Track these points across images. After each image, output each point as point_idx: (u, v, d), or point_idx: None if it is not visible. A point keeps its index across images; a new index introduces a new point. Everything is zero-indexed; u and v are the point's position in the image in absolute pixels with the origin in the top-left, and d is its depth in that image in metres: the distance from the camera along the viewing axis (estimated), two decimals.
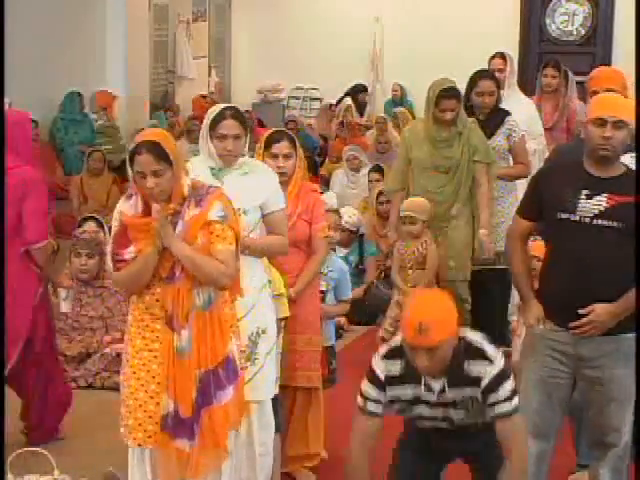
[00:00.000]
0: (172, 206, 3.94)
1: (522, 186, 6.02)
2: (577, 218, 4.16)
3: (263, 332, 4.56)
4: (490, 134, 6.81)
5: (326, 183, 10.67)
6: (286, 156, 4.91)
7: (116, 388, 6.26)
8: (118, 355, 6.51)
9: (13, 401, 5.34)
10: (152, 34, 13.49)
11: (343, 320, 7.62)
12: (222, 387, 4.04)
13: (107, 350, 6.66)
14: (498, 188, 6.85)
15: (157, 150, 3.90)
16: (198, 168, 4.58)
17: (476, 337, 3.80)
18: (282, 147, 4.92)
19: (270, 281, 4.66)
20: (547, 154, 7.33)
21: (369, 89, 14.18)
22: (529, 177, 5.69)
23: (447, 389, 3.77)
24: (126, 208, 4.05)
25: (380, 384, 3.82)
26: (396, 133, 10.99)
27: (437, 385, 3.78)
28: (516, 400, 3.78)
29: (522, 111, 7.32)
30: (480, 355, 3.75)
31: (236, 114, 4.56)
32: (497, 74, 7.38)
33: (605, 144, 4.13)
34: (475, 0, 13.75)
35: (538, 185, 4.38)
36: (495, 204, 6.78)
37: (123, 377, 4.14)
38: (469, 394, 3.78)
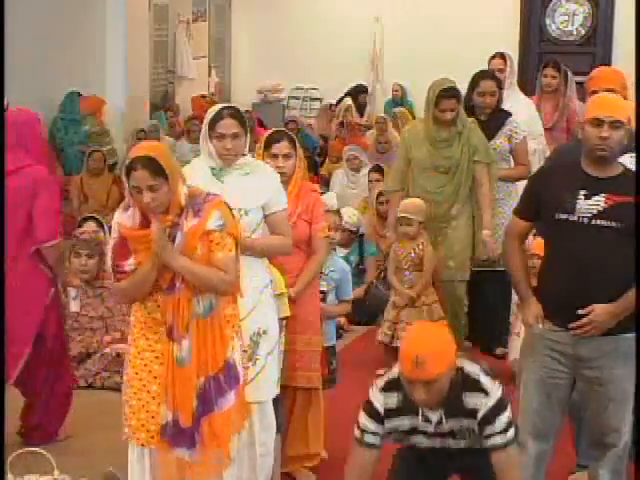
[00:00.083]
0: (170, 217, 3.95)
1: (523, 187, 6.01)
2: (575, 218, 4.16)
3: (264, 332, 4.56)
4: (491, 135, 6.81)
5: (326, 183, 10.67)
6: (286, 156, 4.91)
7: (116, 388, 6.30)
8: (118, 355, 6.52)
9: (14, 401, 5.35)
10: (152, 34, 13.49)
11: (343, 320, 7.63)
12: (223, 393, 4.05)
13: (107, 350, 6.65)
14: (499, 190, 6.85)
15: (153, 165, 3.90)
16: (199, 169, 4.59)
17: (473, 368, 3.81)
18: (282, 147, 4.92)
19: (271, 280, 4.66)
20: (548, 153, 7.34)
21: (369, 89, 14.18)
22: None
23: (445, 420, 3.78)
24: (124, 219, 4.06)
25: (379, 418, 3.84)
26: (396, 133, 10.99)
27: (434, 416, 3.79)
28: (512, 432, 3.81)
29: (522, 111, 7.33)
30: (477, 387, 3.77)
31: (234, 113, 4.56)
32: (497, 74, 7.38)
33: (602, 144, 4.13)
34: (475, 0, 13.74)
35: (536, 185, 4.38)
36: (497, 205, 6.78)
37: (126, 377, 4.16)
38: (466, 425, 3.80)
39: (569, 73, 8.32)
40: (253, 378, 4.46)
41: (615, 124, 4.14)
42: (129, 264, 4.00)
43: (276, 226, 4.62)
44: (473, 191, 6.59)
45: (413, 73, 12.92)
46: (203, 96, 13.62)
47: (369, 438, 3.85)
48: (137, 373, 4.09)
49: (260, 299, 4.54)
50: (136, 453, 4.15)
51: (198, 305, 4.01)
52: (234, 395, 4.08)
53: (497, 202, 6.79)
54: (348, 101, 13.07)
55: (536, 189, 4.35)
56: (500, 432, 3.77)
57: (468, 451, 3.90)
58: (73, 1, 11.67)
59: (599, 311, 4.14)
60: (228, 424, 4.07)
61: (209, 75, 14.71)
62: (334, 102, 13.65)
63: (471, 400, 3.76)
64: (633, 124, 4.95)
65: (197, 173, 4.58)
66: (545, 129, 7.84)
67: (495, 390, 3.78)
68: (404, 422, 3.83)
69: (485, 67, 7.62)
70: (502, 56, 7.80)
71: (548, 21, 14.02)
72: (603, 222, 4.13)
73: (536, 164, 7.07)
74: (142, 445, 4.10)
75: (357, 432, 3.88)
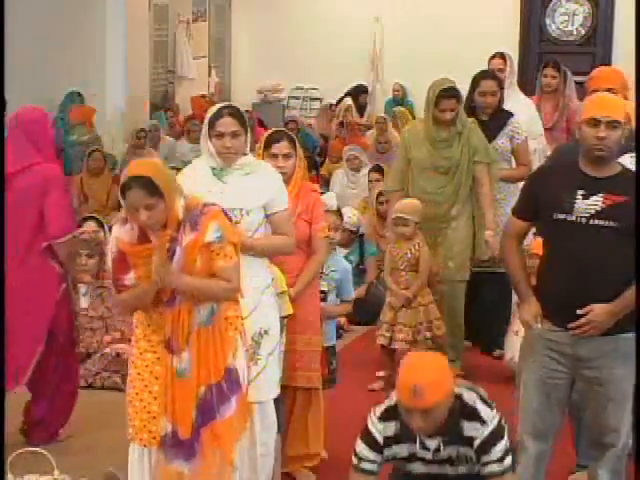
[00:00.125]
0: (169, 232, 3.96)
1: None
2: (574, 218, 4.16)
3: (266, 332, 4.56)
4: (493, 135, 6.81)
5: (326, 183, 10.67)
6: (286, 156, 4.91)
7: (116, 388, 6.32)
8: (118, 355, 6.54)
9: (14, 401, 5.35)
10: (152, 34, 13.50)
11: (343, 320, 7.63)
12: (226, 400, 4.07)
13: (107, 350, 6.66)
14: (500, 190, 6.84)
15: (148, 185, 3.90)
16: (200, 168, 4.60)
17: (470, 396, 3.80)
18: (282, 147, 4.91)
19: (273, 280, 4.66)
20: (548, 153, 7.34)
21: (369, 89, 14.18)
22: None
23: (442, 447, 3.78)
24: (122, 234, 4.06)
25: (377, 447, 3.83)
26: (396, 133, 10.98)
27: (432, 444, 3.79)
28: (508, 460, 3.80)
29: (522, 111, 7.32)
30: (474, 416, 3.76)
31: (233, 112, 4.56)
32: (497, 74, 7.38)
33: (599, 144, 4.13)
34: (475, 0, 13.74)
35: (534, 185, 4.38)
36: (498, 206, 6.77)
37: (129, 378, 4.20)
38: (464, 453, 3.79)
39: (568, 73, 8.32)
40: (254, 378, 4.45)
41: (612, 124, 4.13)
42: (129, 278, 4.02)
43: (278, 226, 4.62)
44: (473, 191, 6.59)
45: (413, 73, 12.92)
46: (202, 96, 13.62)
47: (367, 465, 3.86)
48: (139, 374, 4.12)
49: (261, 299, 4.54)
50: (137, 453, 4.16)
51: (199, 314, 4.05)
52: (235, 401, 4.09)
53: (498, 202, 6.78)
54: (348, 101, 13.06)
55: (534, 189, 4.34)
56: (497, 460, 3.77)
57: (465, 477, 3.89)
58: (73, 1, 11.68)
59: (598, 311, 4.13)
60: (230, 431, 4.09)
61: (209, 75, 14.71)
62: (334, 102, 13.65)
63: (468, 428, 3.76)
64: (633, 123, 4.95)
65: (198, 173, 4.59)
66: (545, 129, 7.84)
67: (492, 418, 3.78)
68: (402, 449, 3.83)
69: (485, 67, 7.63)
70: (502, 56, 7.80)
71: (548, 21, 14.01)
72: (601, 222, 4.13)
73: (536, 164, 7.07)
74: (144, 445, 4.12)
75: (354, 459, 3.88)
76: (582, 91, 7.30)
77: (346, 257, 7.96)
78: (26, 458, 4.63)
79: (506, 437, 3.81)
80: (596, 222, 4.13)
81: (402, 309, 6.54)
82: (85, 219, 7.85)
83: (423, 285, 6.55)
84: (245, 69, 15.16)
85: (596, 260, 4.12)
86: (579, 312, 4.14)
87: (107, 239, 6.74)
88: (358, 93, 13.75)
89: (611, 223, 4.12)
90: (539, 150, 7.57)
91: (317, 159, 12.27)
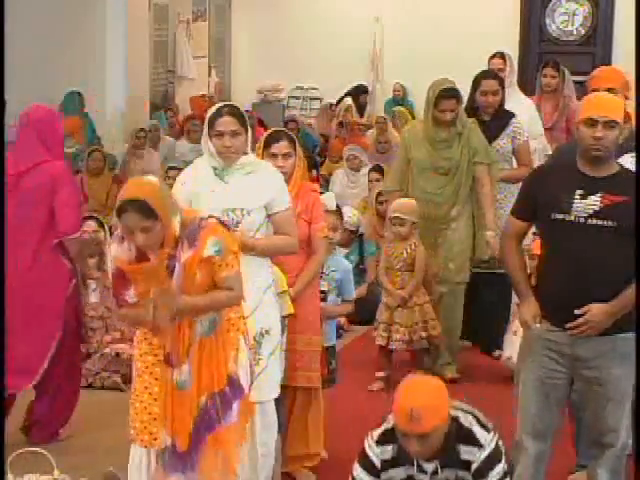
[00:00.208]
0: (167, 250, 3.95)
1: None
2: (572, 218, 4.15)
3: (267, 332, 4.56)
4: (495, 136, 6.81)
5: (326, 183, 10.67)
6: (285, 156, 4.91)
7: (116, 388, 6.32)
8: (118, 355, 6.54)
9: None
10: (152, 34, 13.50)
11: (343, 320, 7.62)
12: (229, 407, 4.07)
13: (107, 350, 6.66)
14: (501, 190, 6.84)
15: (143, 208, 3.87)
16: (201, 168, 4.60)
17: (467, 419, 3.77)
18: (281, 147, 4.91)
19: (274, 280, 4.66)
20: (549, 152, 7.33)
21: (369, 89, 14.18)
22: None
23: (440, 471, 3.76)
24: (120, 253, 4.04)
25: (375, 471, 3.81)
26: (396, 133, 10.98)
27: (430, 467, 3.77)
28: None
29: (522, 111, 7.32)
30: (470, 439, 3.74)
31: (233, 111, 4.56)
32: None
33: (597, 144, 4.12)
34: (475, 0, 13.75)
35: (532, 185, 4.38)
36: (498, 206, 6.75)
37: (133, 380, 4.20)
38: (461, 476, 3.77)
39: (566, 72, 8.33)
40: (255, 378, 4.45)
41: (609, 124, 4.12)
42: (130, 295, 4.02)
43: (280, 226, 4.62)
44: (473, 192, 6.58)
45: (413, 73, 12.93)
46: (202, 96, 13.62)
47: None
48: (140, 375, 4.12)
49: (263, 299, 4.54)
50: (138, 454, 4.16)
51: (201, 325, 4.05)
52: (237, 405, 4.10)
53: (499, 202, 6.78)
54: (348, 101, 13.06)
55: (532, 189, 4.34)
56: None
57: None
58: (73, 1, 11.68)
59: (595, 311, 4.13)
60: (233, 437, 4.10)
61: (209, 75, 14.71)
62: (334, 102, 13.65)
63: (465, 452, 3.73)
64: (633, 123, 4.95)
65: (200, 173, 4.59)
66: (545, 129, 7.84)
67: (489, 441, 3.75)
68: (400, 473, 3.80)
69: (485, 67, 7.63)
70: (502, 56, 7.81)
71: (548, 21, 14.02)
72: (599, 222, 4.12)
73: (536, 164, 7.06)
74: (145, 446, 4.12)
75: None
76: (582, 91, 7.30)
77: (346, 257, 7.95)
78: (26, 458, 4.63)
79: (503, 460, 3.78)
80: (594, 222, 4.13)
81: (398, 309, 6.54)
82: (85, 219, 7.86)
83: (419, 285, 6.55)
84: (245, 69, 15.16)
85: (594, 260, 4.12)
86: (577, 312, 4.14)
87: (107, 239, 6.75)
88: (358, 93, 13.76)
89: (609, 223, 4.12)
90: (539, 150, 7.58)
91: (317, 159, 12.28)
